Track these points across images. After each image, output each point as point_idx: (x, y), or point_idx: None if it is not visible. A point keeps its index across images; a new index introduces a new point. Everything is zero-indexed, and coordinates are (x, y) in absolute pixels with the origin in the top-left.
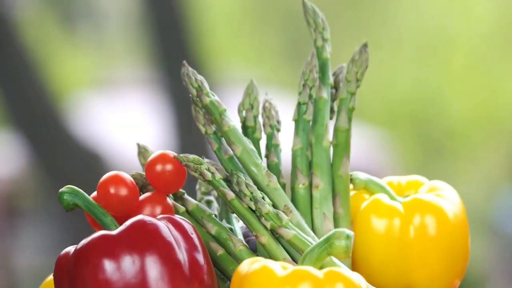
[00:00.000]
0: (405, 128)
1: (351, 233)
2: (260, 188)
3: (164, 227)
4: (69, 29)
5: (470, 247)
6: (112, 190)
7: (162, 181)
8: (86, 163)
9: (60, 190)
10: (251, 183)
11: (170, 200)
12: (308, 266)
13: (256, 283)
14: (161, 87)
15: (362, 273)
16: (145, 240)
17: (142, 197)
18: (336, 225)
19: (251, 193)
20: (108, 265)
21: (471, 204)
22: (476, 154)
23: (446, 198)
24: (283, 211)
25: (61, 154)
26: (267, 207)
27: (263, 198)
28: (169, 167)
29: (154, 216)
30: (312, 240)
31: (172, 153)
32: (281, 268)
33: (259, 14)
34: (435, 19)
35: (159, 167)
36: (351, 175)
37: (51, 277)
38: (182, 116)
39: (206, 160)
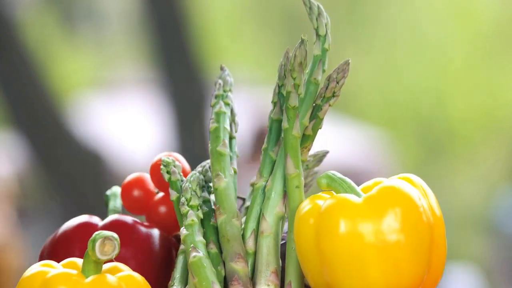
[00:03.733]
0: (405, 128)
1: (107, 233)
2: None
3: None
4: (70, 29)
5: (468, 247)
6: (135, 193)
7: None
8: (87, 163)
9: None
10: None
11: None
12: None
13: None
14: (161, 87)
15: (327, 275)
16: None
17: (156, 197)
18: (279, 225)
19: (190, 198)
20: None
21: (471, 204)
22: (476, 154)
23: (412, 195)
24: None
25: (61, 154)
26: (185, 208)
27: (199, 206)
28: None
29: None
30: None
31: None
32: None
33: (259, 14)
34: (435, 19)
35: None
36: (324, 174)
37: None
38: (182, 116)
39: (177, 163)
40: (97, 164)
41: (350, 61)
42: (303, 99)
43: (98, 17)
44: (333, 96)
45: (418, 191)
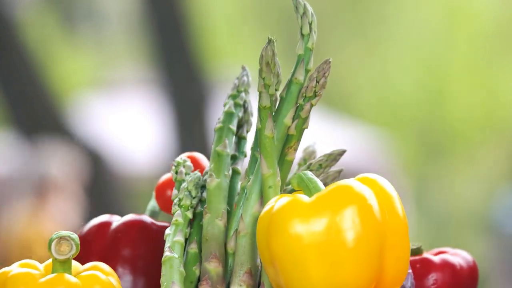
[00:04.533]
0: (406, 128)
1: (64, 233)
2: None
3: None
4: (70, 29)
5: (468, 247)
6: (168, 193)
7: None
8: (87, 163)
9: None
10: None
11: None
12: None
13: None
14: (161, 87)
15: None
16: None
17: None
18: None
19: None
20: None
21: (471, 204)
22: (476, 154)
23: (371, 193)
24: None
25: (61, 153)
26: (175, 208)
27: (191, 206)
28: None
29: None
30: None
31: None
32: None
33: (259, 15)
34: (435, 20)
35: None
36: (297, 174)
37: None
38: (182, 116)
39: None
40: (97, 164)
41: (330, 60)
42: (285, 98)
43: (98, 17)
44: (315, 95)
45: (371, 191)
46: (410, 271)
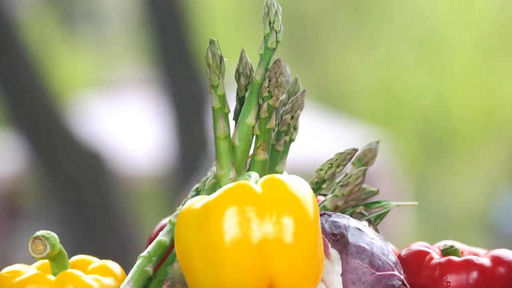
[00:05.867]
0: (406, 128)
1: (39, 233)
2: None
3: None
4: (70, 29)
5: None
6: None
7: None
8: (87, 163)
9: None
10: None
11: None
12: None
13: None
14: (161, 87)
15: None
16: None
17: None
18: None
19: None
20: None
21: (471, 204)
22: (476, 154)
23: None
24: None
25: (61, 153)
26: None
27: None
28: None
29: None
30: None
31: None
32: None
33: (258, 14)
34: (435, 20)
35: None
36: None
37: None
38: (182, 116)
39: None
40: (97, 164)
41: (280, 59)
42: (247, 99)
43: (98, 17)
44: (270, 96)
45: (261, 193)
46: (395, 272)
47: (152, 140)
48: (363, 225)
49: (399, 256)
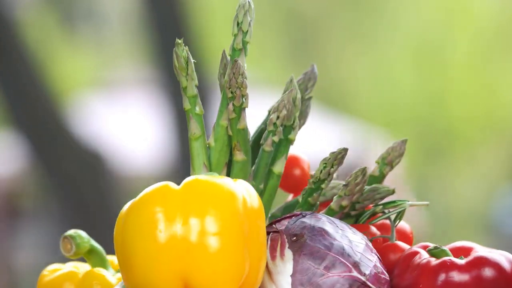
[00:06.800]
0: (405, 128)
1: (67, 233)
2: None
3: None
4: (70, 29)
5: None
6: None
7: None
8: (87, 163)
9: None
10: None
11: None
12: None
13: None
14: (161, 87)
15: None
16: None
17: None
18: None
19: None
20: None
21: (471, 204)
22: (476, 154)
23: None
24: None
25: (61, 153)
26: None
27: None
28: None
29: None
30: None
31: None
32: None
33: (259, 15)
34: (435, 20)
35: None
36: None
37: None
38: (182, 116)
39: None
40: (97, 164)
41: (237, 60)
42: (221, 100)
43: (98, 17)
44: (233, 96)
45: (173, 201)
46: (353, 273)
47: (152, 140)
48: (340, 226)
49: (399, 257)
